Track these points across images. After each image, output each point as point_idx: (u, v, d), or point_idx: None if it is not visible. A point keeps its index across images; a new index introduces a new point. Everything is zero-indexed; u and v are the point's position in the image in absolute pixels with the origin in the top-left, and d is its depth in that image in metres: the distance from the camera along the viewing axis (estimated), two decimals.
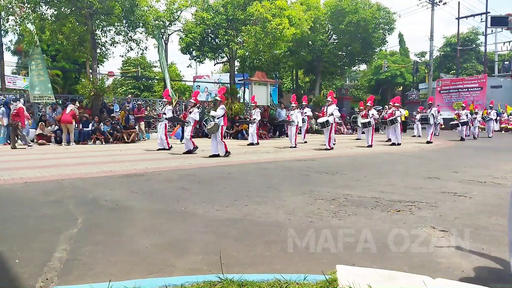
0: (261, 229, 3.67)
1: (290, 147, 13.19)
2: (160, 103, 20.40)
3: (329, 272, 2.32)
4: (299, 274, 2.24)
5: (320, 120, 12.72)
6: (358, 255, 2.99)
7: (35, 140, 14.37)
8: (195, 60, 25.22)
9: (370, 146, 13.43)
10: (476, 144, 15.47)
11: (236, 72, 24.77)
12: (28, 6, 15.28)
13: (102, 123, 15.55)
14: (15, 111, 12.80)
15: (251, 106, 14.03)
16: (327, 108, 12.81)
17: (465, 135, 18.10)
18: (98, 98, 16.99)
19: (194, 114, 10.68)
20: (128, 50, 19.69)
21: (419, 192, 5.51)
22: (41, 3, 15.52)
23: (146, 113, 17.28)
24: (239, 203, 4.71)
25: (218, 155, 9.86)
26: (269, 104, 22.81)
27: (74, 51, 17.43)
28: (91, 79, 17.08)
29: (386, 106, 18.61)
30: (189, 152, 10.73)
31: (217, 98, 10.88)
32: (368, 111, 14.33)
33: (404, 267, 2.70)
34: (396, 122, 14.64)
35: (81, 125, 14.96)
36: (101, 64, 30.32)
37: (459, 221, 3.97)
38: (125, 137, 15.49)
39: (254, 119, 14.70)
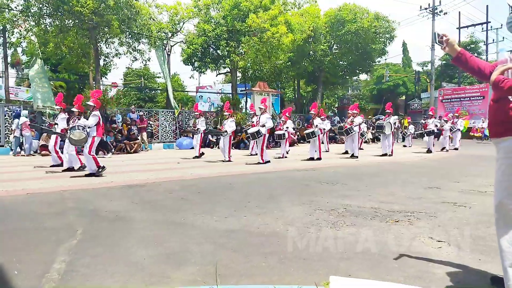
0: (259, 240, 3.68)
1: (223, 161, 11.61)
2: (162, 113, 20.54)
3: (322, 283, 2.33)
4: (292, 285, 2.25)
5: (250, 130, 11.17)
6: (355, 265, 2.99)
7: (38, 151, 14.48)
8: (197, 71, 25.46)
9: (319, 159, 11.98)
10: (478, 153, 15.41)
11: (238, 82, 24.93)
12: (32, 19, 15.52)
13: (104, 134, 15.60)
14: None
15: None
16: (259, 118, 11.22)
17: (433, 145, 15.60)
18: (101, 109, 17.10)
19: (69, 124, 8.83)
20: (132, 60, 19.93)
21: (419, 202, 5.51)
22: (44, 16, 15.75)
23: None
24: (238, 214, 4.73)
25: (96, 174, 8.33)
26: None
27: (77, 62, 17.62)
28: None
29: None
30: (70, 169, 9.18)
31: (90, 103, 8.71)
32: (313, 120, 12.48)
33: (400, 278, 2.71)
34: (353, 132, 13.00)
35: None
36: (105, 77, 30.58)
37: (457, 231, 3.97)
38: (128, 148, 15.57)
39: (198, 129, 13.05)
